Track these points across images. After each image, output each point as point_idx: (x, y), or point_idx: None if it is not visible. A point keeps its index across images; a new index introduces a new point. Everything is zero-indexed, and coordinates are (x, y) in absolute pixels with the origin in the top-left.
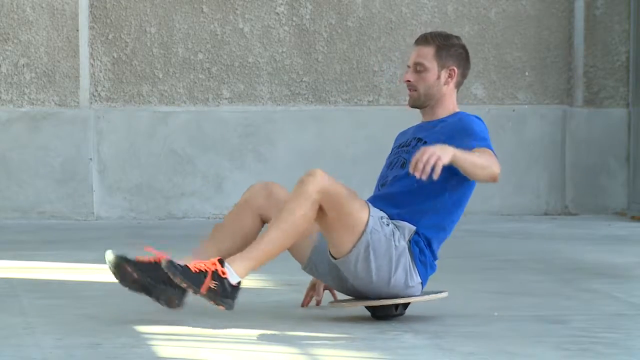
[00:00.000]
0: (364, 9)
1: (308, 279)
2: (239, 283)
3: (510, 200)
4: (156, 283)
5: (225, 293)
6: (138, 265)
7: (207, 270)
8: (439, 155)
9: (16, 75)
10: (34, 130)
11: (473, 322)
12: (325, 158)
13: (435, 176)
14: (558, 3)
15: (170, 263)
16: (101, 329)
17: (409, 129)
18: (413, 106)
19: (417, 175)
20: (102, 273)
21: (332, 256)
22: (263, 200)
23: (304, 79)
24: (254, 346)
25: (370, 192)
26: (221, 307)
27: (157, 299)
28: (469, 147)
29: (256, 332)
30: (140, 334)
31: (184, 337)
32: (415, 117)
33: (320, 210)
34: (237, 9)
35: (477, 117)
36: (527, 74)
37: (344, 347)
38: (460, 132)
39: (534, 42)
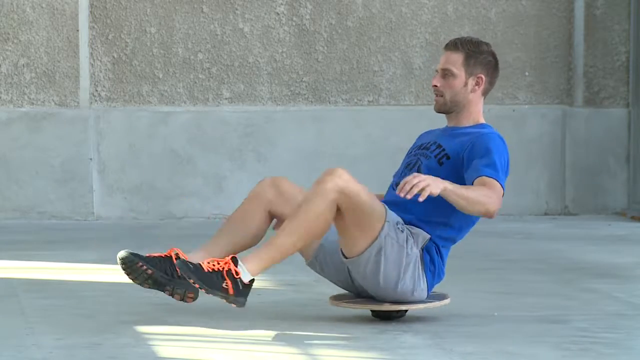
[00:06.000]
0: (364, 9)
1: (308, 278)
2: (251, 281)
3: (510, 200)
4: (170, 277)
5: (237, 292)
6: (150, 260)
7: (221, 269)
8: (429, 183)
9: (16, 75)
10: (34, 130)
11: (473, 322)
12: (325, 158)
13: (421, 199)
14: (558, 3)
15: (183, 263)
16: (101, 329)
17: (434, 130)
18: (439, 111)
19: (402, 195)
20: (102, 273)
21: (344, 255)
22: (272, 195)
23: (304, 79)
24: (254, 346)
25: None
26: (233, 305)
27: (172, 294)
28: (477, 170)
29: (256, 332)
30: (140, 334)
31: (184, 337)
32: (414, 119)
33: (338, 210)
34: (237, 9)
35: (499, 136)
36: (527, 74)
37: (344, 347)
38: (476, 147)
39: (534, 42)
